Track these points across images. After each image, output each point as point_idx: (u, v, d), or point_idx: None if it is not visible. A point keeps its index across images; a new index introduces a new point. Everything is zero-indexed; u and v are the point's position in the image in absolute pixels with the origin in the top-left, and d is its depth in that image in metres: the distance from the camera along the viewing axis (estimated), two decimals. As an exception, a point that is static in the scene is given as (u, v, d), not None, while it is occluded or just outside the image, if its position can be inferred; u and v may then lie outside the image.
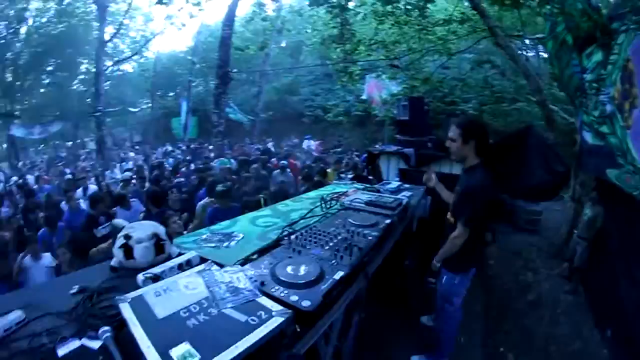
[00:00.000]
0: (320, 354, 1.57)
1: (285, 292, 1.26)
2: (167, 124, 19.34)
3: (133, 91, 24.97)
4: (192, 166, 8.92)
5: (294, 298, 1.22)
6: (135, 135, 24.35)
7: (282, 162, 7.05)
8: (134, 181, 7.33)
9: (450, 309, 2.51)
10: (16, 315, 1.15)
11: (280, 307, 1.12)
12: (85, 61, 21.98)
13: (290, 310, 1.11)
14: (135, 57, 22.84)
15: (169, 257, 1.62)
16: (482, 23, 5.76)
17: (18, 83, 20.19)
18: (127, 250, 1.54)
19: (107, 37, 17.18)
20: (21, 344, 1.05)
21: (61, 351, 1.02)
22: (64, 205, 5.88)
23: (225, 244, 1.98)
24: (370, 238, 1.81)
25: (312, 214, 2.43)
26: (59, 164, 13.58)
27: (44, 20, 20.19)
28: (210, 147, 12.22)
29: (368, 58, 8.15)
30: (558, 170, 5.16)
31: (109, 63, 19.17)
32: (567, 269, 4.06)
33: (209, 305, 1.13)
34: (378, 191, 3.19)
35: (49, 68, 21.49)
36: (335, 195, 2.99)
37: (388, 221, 2.07)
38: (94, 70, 16.73)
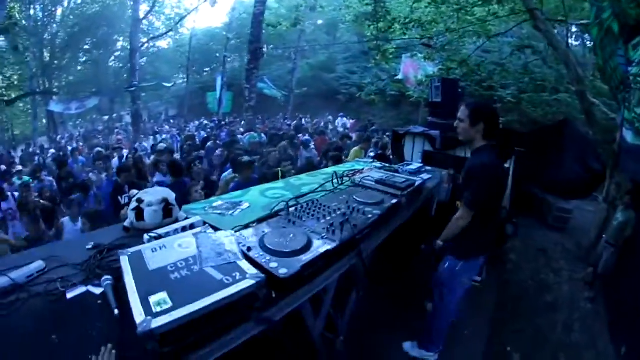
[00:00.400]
0: (308, 326, 1.60)
1: (267, 258, 1.28)
2: (202, 98, 19.76)
3: (169, 67, 25.63)
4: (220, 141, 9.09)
5: (273, 265, 1.24)
6: (170, 109, 25.01)
7: (306, 138, 6.99)
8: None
9: (448, 299, 2.35)
10: (38, 264, 1.32)
11: (255, 271, 1.15)
12: (121, 39, 22.72)
13: (263, 275, 1.13)
14: (170, 34, 23.39)
15: (177, 221, 1.69)
16: (522, 5, 5.32)
17: (56, 62, 21.22)
18: (139, 212, 1.65)
19: (141, 15, 17.55)
20: (39, 288, 1.22)
21: (70, 295, 1.20)
22: (92, 175, 6.15)
23: (231, 212, 2.03)
24: (369, 216, 1.75)
25: (323, 188, 2.42)
26: (96, 137, 14.25)
27: (79, 1, 21.04)
28: (242, 122, 12.35)
29: (403, 37, 7.80)
30: (594, 168, 4.84)
31: (144, 40, 19.72)
32: (591, 275, 3.81)
33: (194, 263, 1.21)
34: (396, 171, 3.08)
35: (86, 46, 22.49)
36: (351, 172, 2.97)
37: (394, 201, 1.99)
38: (129, 47, 17.28)
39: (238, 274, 1.13)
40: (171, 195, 1.77)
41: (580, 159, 4.89)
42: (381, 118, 14.68)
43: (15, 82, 19.02)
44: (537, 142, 5.45)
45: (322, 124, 13.25)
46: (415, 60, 10.15)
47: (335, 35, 22.20)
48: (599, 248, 3.93)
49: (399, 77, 11.80)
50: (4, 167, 7.81)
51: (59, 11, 20.53)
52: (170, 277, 1.12)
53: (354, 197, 2.01)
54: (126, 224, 1.70)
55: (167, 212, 1.69)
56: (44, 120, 20.48)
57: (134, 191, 1.89)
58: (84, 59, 23.08)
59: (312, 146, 6.96)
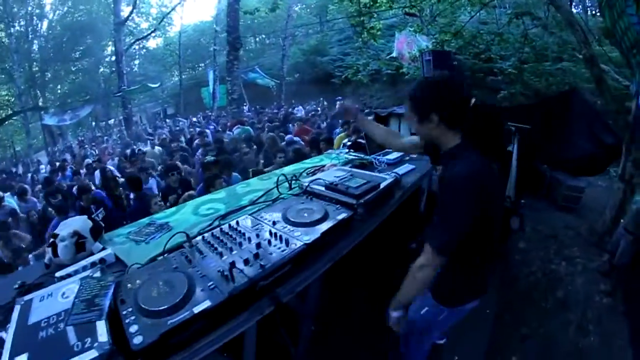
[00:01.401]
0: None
1: (132, 318, 1.03)
2: (198, 94, 19.63)
3: (160, 67, 25.41)
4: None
5: (133, 329, 0.99)
6: (168, 108, 24.74)
7: (289, 137, 6.52)
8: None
9: (415, 347, 1.77)
10: None
11: (105, 339, 0.96)
12: (110, 44, 22.35)
13: (108, 347, 0.94)
14: (158, 33, 23.39)
15: (92, 254, 1.59)
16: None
17: (47, 74, 21.42)
18: (54, 248, 1.55)
19: (124, 17, 17.31)
20: None
21: None
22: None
23: (151, 237, 1.77)
24: (292, 247, 1.29)
25: (265, 198, 2.03)
26: (85, 147, 14.17)
27: (64, 10, 21.07)
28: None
29: (390, 11, 7.20)
30: (606, 143, 4.29)
31: (130, 42, 19.61)
32: (607, 264, 3.30)
33: (63, 319, 1.08)
34: (370, 164, 2.68)
35: (75, 55, 22.51)
36: (311, 170, 2.54)
37: (342, 216, 1.51)
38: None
39: (89, 339, 0.97)
40: (84, 227, 1.64)
41: (590, 133, 4.36)
42: (378, 99, 14.14)
43: (3, 101, 19.11)
44: (542, 115, 4.95)
45: (312, 112, 12.70)
46: (408, 35, 9.63)
47: (326, 17, 21.48)
48: (615, 234, 3.40)
49: (393, 54, 11.36)
50: None
51: (45, 24, 20.52)
52: (38, 335, 1.02)
53: (287, 213, 1.55)
54: (46, 260, 1.59)
55: (79, 246, 1.57)
56: (42, 135, 20.54)
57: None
58: (74, 68, 23.16)
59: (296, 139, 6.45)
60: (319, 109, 12.95)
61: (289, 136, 6.62)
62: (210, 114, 16.16)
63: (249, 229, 1.47)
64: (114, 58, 18.48)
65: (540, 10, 6.81)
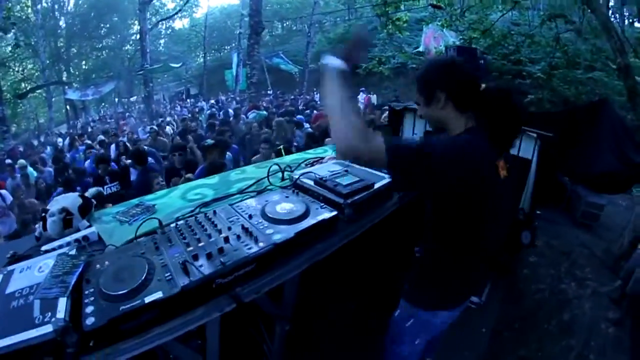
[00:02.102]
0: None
1: (91, 299, 1.04)
2: (222, 76, 19.74)
3: (185, 46, 25.65)
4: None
5: (89, 309, 1.00)
6: (192, 88, 24.99)
7: (299, 117, 6.40)
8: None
9: (390, 353, 1.61)
10: None
11: (62, 316, 0.97)
12: (136, 22, 22.68)
13: (63, 323, 0.94)
14: (184, 14, 23.56)
15: (78, 230, 1.62)
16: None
17: (72, 50, 22.05)
18: (44, 222, 1.60)
19: None
20: None
21: None
22: (87, 165, 6.04)
23: (134, 219, 1.75)
24: (260, 246, 1.20)
25: (255, 187, 1.95)
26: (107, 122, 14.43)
27: None
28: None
29: (418, 2, 6.93)
30: (633, 161, 3.99)
31: (154, 21, 19.91)
32: (619, 291, 3.07)
33: (33, 292, 1.10)
34: None
35: (101, 32, 23.06)
36: (310, 161, 2.43)
37: (323, 216, 1.39)
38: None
39: (49, 314, 0.99)
40: (74, 204, 1.68)
41: (617, 148, 4.07)
42: (405, 93, 13.84)
43: (27, 76, 19.87)
44: (568, 125, 4.67)
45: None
46: (436, 30, 9.32)
47: (354, 6, 21.09)
48: (631, 260, 3.15)
49: (420, 48, 11.02)
50: (9, 161, 7.90)
51: (72, 1, 21.20)
52: (10, 304, 1.06)
53: (265, 207, 1.45)
54: (36, 233, 1.64)
55: (66, 222, 1.62)
56: (65, 109, 21.24)
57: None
58: (99, 45, 23.68)
59: (307, 125, 6.34)
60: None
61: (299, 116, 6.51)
62: (231, 96, 16.22)
63: (224, 221, 1.38)
64: (138, 36, 18.83)
65: (574, 14, 6.43)
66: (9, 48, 17.03)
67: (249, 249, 1.19)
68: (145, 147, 4.95)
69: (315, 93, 14.68)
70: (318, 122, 6.35)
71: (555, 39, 6.64)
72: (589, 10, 4.36)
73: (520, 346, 2.63)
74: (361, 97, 13.39)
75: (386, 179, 1.81)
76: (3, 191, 5.30)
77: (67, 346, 0.95)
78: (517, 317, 2.91)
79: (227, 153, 4.20)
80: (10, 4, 13.93)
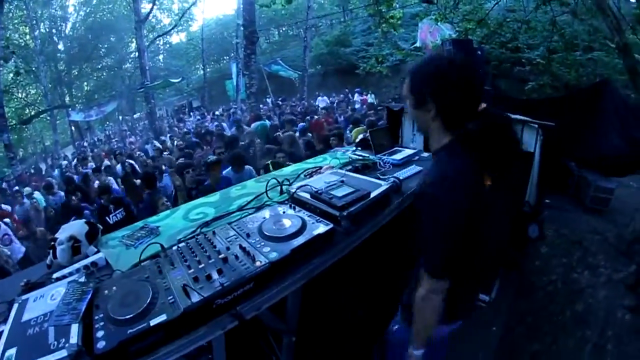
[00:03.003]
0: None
1: (101, 324, 1.10)
2: (223, 86, 20.08)
3: (184, 61, 26.12)
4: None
5: (99, 334, 1.07)
6: (194, 101, 25.28)
7: (301, 124, 6.41)
8: (165, 152, 7.47)
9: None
10: None
11: (75, 341, 1.04)
12: (134, 40, 23.17)
13: (76, 347, 1.02)
14: (180, 28, 24.05)
15: (86, 256, 1.67)
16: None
17: (73, 72, 22.63)
18: (54, 250, 1.66)
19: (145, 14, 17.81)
20: None
21: None
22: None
23: (139, 242, 1.81)
24: (257, 265, 1.23)
25: (255, 203, 1.98)
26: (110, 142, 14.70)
27: (87, 11, 22.17)
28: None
29: (409, 0, 6.92)
30: (640, 140, 3.93)
31: (152, 38, 20.40)
32: (634, 276, 3.00)
33: (47, 319, 1.17)
34: (374, 165, 2.53)
35: (100, 53, 23.61)
36: (309, 172, 2.44)
37: (319, 231, 1.41)
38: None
39: (63, 339, 1.06)
40: (81, 231, 1.74)
41: (622, 129, 4.01)
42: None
43: (30, 101, 20.51)
44: (571, 109, 4.61)
45: (336, 102, 12.49)
46: (431, 24, 9.25)
47: (349, 7, 21.16)
48: (645, 244, 3.10)
49: (417, 44, 11.01)
50: (16, 188, 8.11)
51: (68, 25, 21.88)
52: (27, 332, 1.13)
53: (262, 225, 1.47)
54: (47, 261, 1.70)
55: (75, 249, 1.68)
56: (69, 130, 21.75)
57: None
58: (99, 66, 24.29)
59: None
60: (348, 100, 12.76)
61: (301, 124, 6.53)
62: (234, 106, 16.42)
63: (223, 241, 1.42)
64: (137, 54, 19.16)
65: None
66: (11, 75, 17.54)
67: (247, 268, 1.22)
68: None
69: (316, 97, 14.71)
70: (317, 129, 6.37)
71: (552, 22, 6.54)
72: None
73: (534, 341, 2.60)
74: (357, 97, 13.41)
75: (382, 187, 1.83)
76: (6, 220, 5.43)
77: None
78: (529, 311, 2.88)
79: (248, 166, 4.25)
80: (9, 33, 14.37)
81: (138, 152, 9.40)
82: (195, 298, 1.12)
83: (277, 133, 6.42)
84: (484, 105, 1.24)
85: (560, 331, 2.65)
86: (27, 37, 19.42)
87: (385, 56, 12.34)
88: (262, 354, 1.94)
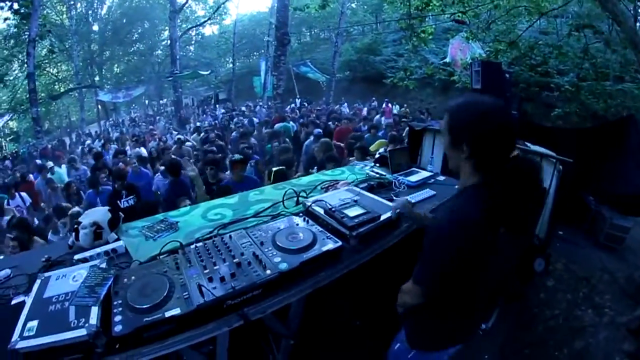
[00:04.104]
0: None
1: (119, 309, 1.21)
2: (250, 82, 20.11)
3: (214, 53, 26.42)
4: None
5: (117, 318, 1.18)
6: (220, 93, 25.72)
7: (317, 130, 6.48)
8: (188, 143, 7.68)
9: None
10: (5, 272, 1.59)
11: (95, 322, 1.15)
12: (166, 29, 23.74)
13: (95, 329, 1.13)
14: (213, 21, 24.23)
15: (107, 243, 1.80)
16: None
17: (105, 54, 23.34)
18: (77, 233, 1.77)
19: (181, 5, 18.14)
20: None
21: (13, 301, 1.41)
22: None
23: (159, 235, 1.93)
24: (267, 273, 1.34)
25: (271, 211, 2.09)
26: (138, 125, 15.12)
27: None
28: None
29: (442, 15, 6.92)
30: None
31: (185, 29, 20.76)
32: (637, 322, 2.96)
33: (69, 298, 1.26)
34: (390, 184, 2.59)
35: (133, 38, 24.28)
36: (326, 185, 2.54)
37: (328, 247, 1.51)
38: (170, 38, 18.20)
39: (83, 319, 1.16)
40: (104, 219, 1.84)
41: (647, 168, 3.92)
42: (428, 104, 13.72)
43: (60, 78, 21.22)
44: (595, 142, 4.53)
45: (366, 111, 12.49)
46: (461, 41, 9.25)
47: (382, 16, 21.06)
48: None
49: (447, 59, 11.10)
50: (39, 162, 8.46)
51: (104, 8, 22.57)
52: (49, 307, 1.23)
53: (276, 235, 1.58)
54: (69, 242, 1.80)
55: (97, 235, 1.78)
56: (96, 109, 22.42)
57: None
58: (131, 50, 24.86)
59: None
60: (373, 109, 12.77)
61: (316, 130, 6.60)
62: (260, 103, 16.64)
63: (238, 247, 1.53)
64: (169, 43, 19.73)
65: (603, 24, 6.20)
66: (44, 52, 18.25)
67: (257, 275, 1.34)
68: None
69: (341, 103, 14.76)
70: (341, 138, 6.39)
71: (584, 50, 6.44)
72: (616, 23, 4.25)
73: (527, 375, 2.62)
74: (384, 106, 13.43)
75: (398, 209, 1.90)
76: (23, 193, 5.69)
77: (96, 347, 1.13)
78: (527, 343, 2.88)
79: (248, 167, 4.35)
80: (46, 12, 15.02)
81: (159, 138, 9.67)
82: (209, 297, 1.23)
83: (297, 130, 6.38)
84: (515, 152, 1.23)
85: None
86: (64, 16, 20.16)
87: (413, 69, 12.31)
88: (261, 352, 2.03)
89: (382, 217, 1.80)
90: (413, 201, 2.18)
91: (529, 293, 3.47)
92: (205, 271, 1.37)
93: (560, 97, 7.60)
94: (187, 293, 1.27)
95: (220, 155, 5.73)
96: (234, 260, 1.40)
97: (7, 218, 4.58)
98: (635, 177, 4.12)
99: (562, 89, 7.46)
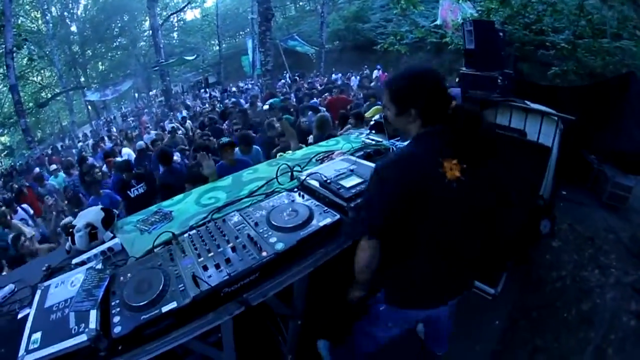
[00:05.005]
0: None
1: (117, 310, 1.19)
2: (239, 62, 19.70)
3: (199, 37, 25.79)
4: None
5: (116, 319, 1.15)
6: (210, 76, 25.15)
7: (312, 101, 6.32)
8: (179, 131, 7.53)
9: (363, 334, 1.71)
10: (9, 287, 1.59)
11: (94, 326, 1.13)
12: (146, 19, 22.88)
13: (95, 332, 1.10)
14: (194, 5, 23.77)
15: (103, 242, 1.75)
16: None
17: (87, 53, 22.79)
18: (72, 237, 1.75)
19: None
20: (5, 308, 1.49)
21: (19, 315, 1.40)
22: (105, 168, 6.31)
23: (153, 227, 1.87)
24: (263, 255, 1.27)
25: (266, 188, 2.00)
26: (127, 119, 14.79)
27: None
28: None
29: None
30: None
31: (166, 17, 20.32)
32: None
33: (68, 305, 1.24)
34: (387, 150, 2.46)
35: (113, 33, 23.65)
36: (320, 157, 2.42)
37: (326, 222, 1.42)
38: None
39: (83, 324, 1.14)
40: (97, 218, 1.81)
41: (647, 125, 3.81)
42: None
43: (45, 84, 20.81)
44: (595, 100, 4.41)
45: (359, 78, 12.25)
46: (452, 2, 9.00)
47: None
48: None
49: (438, 22, 10.71)
50: (37, 170, 8.33)
51: (80, 8, 22.05)
52: (50, 317, 1.21)
53: (270, 214, 1.49)
54: (67, 247, 1.79)
55: (92, 235, 1.75)
56: (86, 110, 22.08)
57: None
58: (113, 45, 24.25)
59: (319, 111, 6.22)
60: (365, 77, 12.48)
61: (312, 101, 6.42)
62: (251, 82, 16.33)
63: (232, 230, 1.46)
64: (150, 32, 19.11)
65: (598, -22, 5.98)
66: (25, 61, 17.93)
67: (253, 258, 1.27)
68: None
69: (331, 73, 14.46)
70: (335, 107, 6.23)
71: (579, 6, 6.19)
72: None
73: (536, 336, 2.59)
74: (376, 73, 13.17)
75: None
76: (24, 205, 5.63)
77: (99, 351, 1.11)
78: (535, 305, 2.86)
79: (255, 147, 4.25)
80: (20, 20, 14.53)
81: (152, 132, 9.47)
82: (204, 287, 1.17)
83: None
84: (454, 103, 1.32)
85: (563, 329, 2.64)
86: (39, 22, 19.57)
87: (404, 34, 11.97)
88: (269, 334, 2.00)
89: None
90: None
91: (535, 255, 3.44)
92: (200, 260, 1.31)
93: (556, 55, 7.33)
94: (182, 285, 1.22)
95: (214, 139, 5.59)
96: (229, 245, 1.33)
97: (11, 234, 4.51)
98: (636, 133, 4.03)
99: (558, 47, 7.16)
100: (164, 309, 1.15)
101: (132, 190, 4.35)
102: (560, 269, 3.36)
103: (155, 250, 1.54)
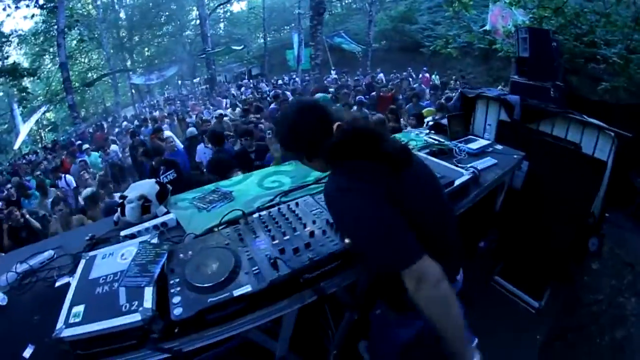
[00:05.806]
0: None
1: (177, 289, 1.11)
2: (283, 56, 20.08)
3: (244, 29, 26.29)
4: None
5: (175, 300, 1.07)
6: (253, 68, 25.49)
7: (359, 97, 6.48)
8: (226, 117, 7.82)
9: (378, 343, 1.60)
10: (48, 254, 1.55)
11: (149, 305, 1.04)
12: (195, 8, 23.47)
13: (151, 313, 1.03)
14: None
15: (156, 216, 1.71)
16: None
17: (135, 38, 23.86)
18: (122, 208, 1.69)
19: None
20: (42, 274, 1.45)
21: (57, 283, 1.37)
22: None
23: (212, 206, 1.86)
24: (335, 245, 1.25)
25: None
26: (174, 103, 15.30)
27: None
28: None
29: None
30: None
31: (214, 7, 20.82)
32: None
33: (118, 278, 1.16)
34: (450, 151, 2.53)
35: (161, 20, 24.60)
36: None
37: None
38: (199, 16, 18.11)
39: (136, 302, 1.05)
40: (152, 192, 1.76)
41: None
42: (468, 74, 13.37)
43: (92, 65, 22.01)
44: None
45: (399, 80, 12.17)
46: (503, 8, 8.82)
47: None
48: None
49: (487, 27, 10.49)
50: (78, 142, 8.85)
51: None
52: (95, 290, 1.13)
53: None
54: (115, 217, 1.74)
55: (144, 209, 1.70)
56: (130, 92, 23.21)
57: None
58: (160, 32, 25.15)
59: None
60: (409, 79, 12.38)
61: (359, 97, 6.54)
62: (294, 76, 16.60)
63: (307, 214, 1.44)
64: (198, 22, 19.63)
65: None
66: (74, 42, 19.01)
67: (335, 244, 1.24)
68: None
69: (377, 73, 14.43)
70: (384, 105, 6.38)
71: (634, 19, 5.87)
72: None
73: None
74: (421, 76, 13.03)
75: (465, 176, 1.89)
76: (69, 177, 6.04)
77: (152, 333, 1.03)
78: (571, 327, 2.85)
79: None
80: (72, 3, 15.34)
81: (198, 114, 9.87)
82: (284, 271, 1.13)
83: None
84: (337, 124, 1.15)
85: (596, 355, 2.61)
86: (90, 6, 20.70)
87: (453, 37, 11.79)
88: (316, 327, 1.94)
89: (456, 183, 1.76)
90: (479, 168, 2.13)
91: (574, 275, 3.41)
92: (275, 242, 1.27)
93: (607, 70, 6.97)
94: (256, 267, 1.15)
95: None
96: (307, 229, 1.32)
97: (49, 200, 4.88)
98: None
99: (609, 61, 6.80)
100: (236, 293, 1.06)
101: (160, 177, 4.19)
102: (598, 292, 3.32)
103: (218, 229, 1.48)
